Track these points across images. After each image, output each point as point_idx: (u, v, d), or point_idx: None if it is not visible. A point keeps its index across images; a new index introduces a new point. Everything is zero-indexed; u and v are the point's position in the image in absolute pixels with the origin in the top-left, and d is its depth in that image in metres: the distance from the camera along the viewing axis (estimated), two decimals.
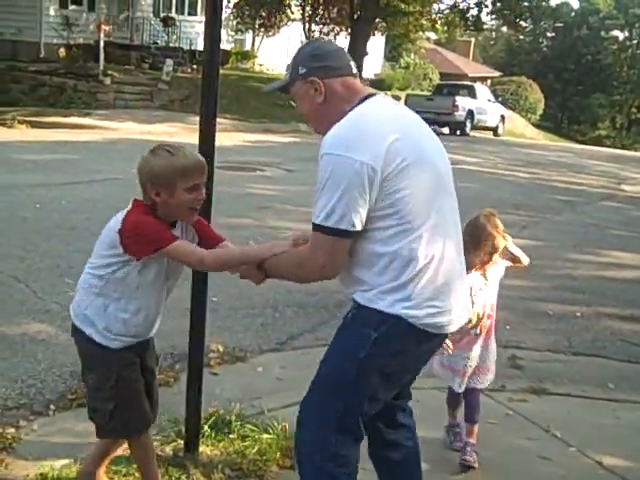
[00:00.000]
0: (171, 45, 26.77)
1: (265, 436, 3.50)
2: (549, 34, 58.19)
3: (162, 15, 27.15)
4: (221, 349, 4.81)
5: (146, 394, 2.81)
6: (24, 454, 3.34)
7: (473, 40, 49.93)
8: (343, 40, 28.56)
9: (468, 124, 26.81)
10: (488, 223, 3.38)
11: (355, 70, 2.57)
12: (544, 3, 32.35)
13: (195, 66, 25.06)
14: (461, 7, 27.96)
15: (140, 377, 2.78)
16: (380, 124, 2.39)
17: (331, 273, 2.42)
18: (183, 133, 16.87)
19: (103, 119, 18.42)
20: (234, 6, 28.78)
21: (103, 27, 21.82)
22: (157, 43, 26.55)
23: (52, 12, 23.44)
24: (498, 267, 3.57)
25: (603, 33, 55.16)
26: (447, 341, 3.48)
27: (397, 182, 2.33)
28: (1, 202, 8.62)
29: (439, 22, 30.16)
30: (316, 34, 30.77)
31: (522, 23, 33.73)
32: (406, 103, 27.26)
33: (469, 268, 3.38)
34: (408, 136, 2.41)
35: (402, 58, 39.00)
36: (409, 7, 26.89)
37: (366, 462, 2.79)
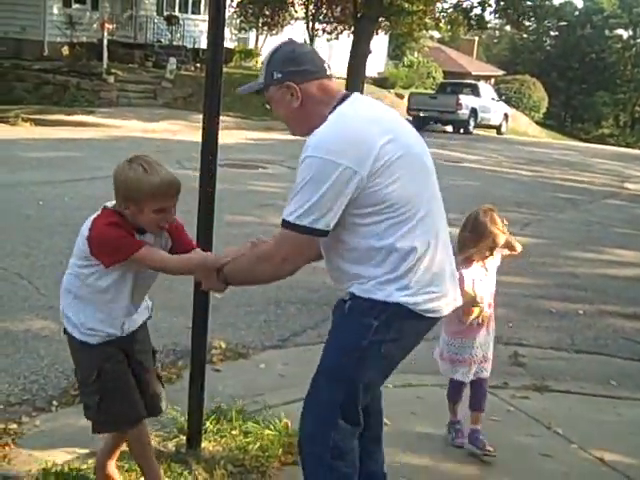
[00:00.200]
0: (174, 43, 26.76)
1: (267, 432, 3.51)
2: (553, 33, 58.07)
3: (166, 14, 27.14)
4: (223, 346, 4.82)
5: (138, 388, 2.83)
6: (27, 449, 3.35)
7: (477, 39, 49.83)
8: (346, 39, 28.53)
9: (471, 122, 26.79)
10: (488, 220, 3.41)
11: (330, 71, 2.59)
12: (547, 2, 32.28)
13: (198, 64, 25.10)
14: (464, 6, 27.85)
15: (127, 370, 2.80)
16: (363, 126, 2.42)
17: (290, 267, 2.47)
18: (186, 131, 16.89)
19: (106, 117, 18.44)
20: (238, 5, 28.72)
21: (107, 26, 21.87)
22: (161, 41, 26.55)
23: (56, 11, 23.46)
24: (495, 256, 3.61)
25: (607, 32, 55.05)
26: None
27: (387, 177, 2.37)
28: (5, 199, 8.65)
29: (443, 21, 30.05)
30: (319, 33, 30.74)
31: (526, 22, 33.67)
32: (409, 101, 27.30)
33: (470, 262, 3.44)
34: (394, 134, 2.45)
35: (405, 57, 38.96)
36: (412, 6, 26.80)
37: None
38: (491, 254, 3.48)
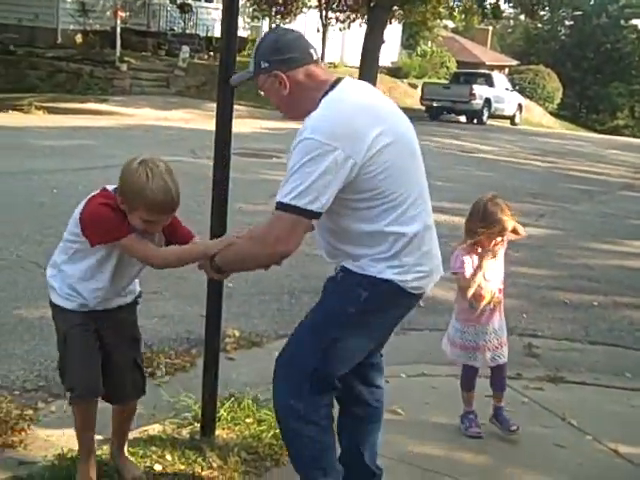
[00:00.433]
0: (187, 32, 26.75)
1: None
2: (567, 22, 57.51)
3: (179, 1, 27.08)
4: (237, 334, 4.83)
5: (104, 371, 2.83)
6: (42, 435, 3.37)
7: (491, 28, 49.51)
8: (359, 28, 28.40)
9: (485, 113, 26.70)
10: (496, 208, 3.49)
11: (316, 56, 2.62)
12: None
13: (212, 53, 25.05)
14: None
15: (93, 343, 2.79)
16: (356, 113, 2.47)
17: (283, 248, 2.46)
18: (199, 120, 16.89)
19: (119, 105, 18.47)
20: None
21: (120, 13, 21.86)
22: (174, 30, 26.53)
23: None
24: (504, 241, 3.67)
25: (622, 22, 54.55)
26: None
27: (379, 165, 2.45)
28: (19, 187, 8.69)
29: (457, 10, 29.94)
30: (332, 21, 30.62)
31: (540, 11, 33.44)
32: (423, 91, 27.20)
33: (480, 248, 3.53)
34: (386, 123, 2.51)
35: (419, 46, 38.74)
36: None
37: None
38: (502, 240, 3.56)
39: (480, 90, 26.23)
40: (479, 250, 3.53)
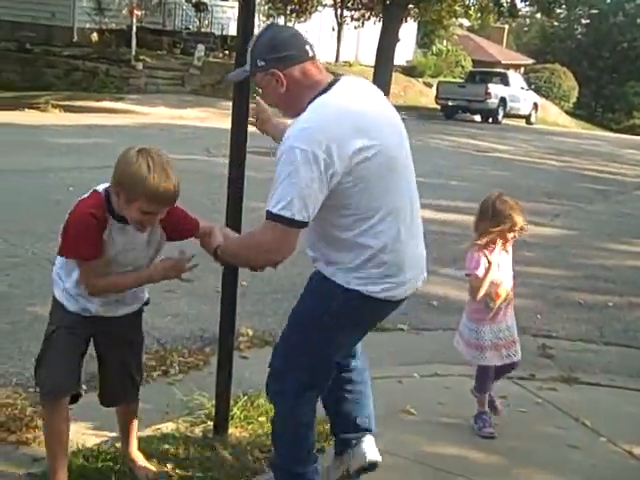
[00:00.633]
0: (203, 30, 26.78)
1: None
2: (584, 21, 57.16)
3: (194, 0, 27.16)
4: (251, 333, 4.83)
5: (101, 379, 2.91)
6: None
7: (507, 27, 49.24)
8: (374, 27, 28.34)
9: (500, 112, 26.58)
10: (504, 205, 3.52)
11: (312, 53, 2.60)
12: None
13: (227, 51, 25.08)
14: None
15: (75, 348, 2.76)
16: (341, 122, 2.45)
17: (278, 257, 2.56)
18: (215, 118, 16.92)
19: (135, 104, 18.53)
20: None
21: (135, 12, 21.94)
22: (189, 28, 26.59)
23: None
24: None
25: (639, 20, 54.14)
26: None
27: (356, 177, 2.45)
28: (35, 185, 8.74)
29: (473, 8, 29.83)
30: (347, 20, 30.58)
31: (556, 9, 33.26)
32: (438, 90, 27.12)
33: (492, 245, 3.55)
34: (370, 134, 2.48)
35: (434, 45, 38.61)
36: None
37: None
38: (514, 236, 3.58)
39: (495, 89, 26.11)
40: (492, 248, 3.53)
